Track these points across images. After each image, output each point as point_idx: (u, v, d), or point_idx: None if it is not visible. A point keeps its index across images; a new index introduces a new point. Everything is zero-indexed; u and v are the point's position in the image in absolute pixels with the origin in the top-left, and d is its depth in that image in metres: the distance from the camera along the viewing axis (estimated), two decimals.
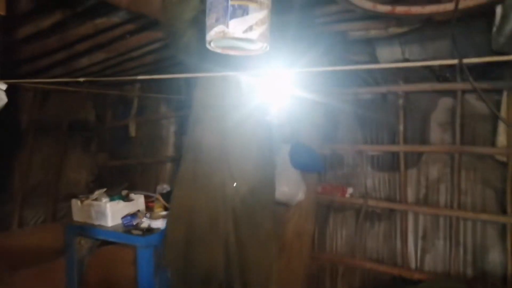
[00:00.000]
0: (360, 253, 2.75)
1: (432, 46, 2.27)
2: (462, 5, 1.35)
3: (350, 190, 2.86)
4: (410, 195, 2.61)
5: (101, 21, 1.99)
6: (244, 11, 0.98)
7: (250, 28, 0.98)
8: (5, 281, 2.33)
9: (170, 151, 3.65)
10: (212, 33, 1.00)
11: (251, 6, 0.99)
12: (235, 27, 0.98)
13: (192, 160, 2.00)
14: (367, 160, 2.80)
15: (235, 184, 1.89)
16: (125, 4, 1.59)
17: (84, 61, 2.66)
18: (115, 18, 1.97)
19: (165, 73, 3.22)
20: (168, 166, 3.63)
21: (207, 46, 1.07)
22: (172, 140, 3.64)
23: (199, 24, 1.66)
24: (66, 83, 3.06)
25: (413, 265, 2.57)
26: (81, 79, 1.22)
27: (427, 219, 2.54)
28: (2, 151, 2.90)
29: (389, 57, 2.47)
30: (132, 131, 3.79)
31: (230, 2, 0.98)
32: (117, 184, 3.51)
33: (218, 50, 1.10)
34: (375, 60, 2.55)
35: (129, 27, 2.09)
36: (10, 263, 2.62)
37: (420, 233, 2.55)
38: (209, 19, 1.02)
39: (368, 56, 2.61)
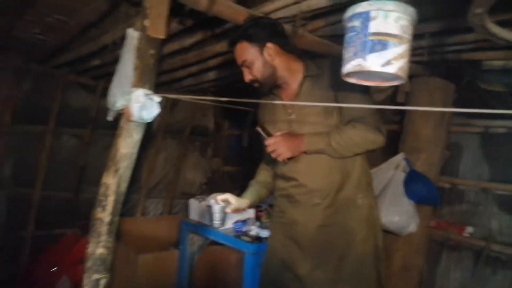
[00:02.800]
0: None
1: None
2: None
3: (469, 229, 2.61)
4: None
5: None
6: (383, 46, 1.00)
7: (388, 63, 1.00)
8: (132, 261, 2.66)
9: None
10: (349, 66, 1.04)
11: (391, 41, 1.00)
12: (373, 61, 1.00)
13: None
14: (494, 200, 2.53)
15: None
16: None
17: (212, 75, 2.93)
18: None
19: None
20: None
21: (343, 78, 1.10)
22: None
23: None
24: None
25: None
26: (223, 99, 1.36)
27: None
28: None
29: None
30: (245, 141, 4.01)
31: (369, 37, 1.00)
32: (228, 188, 3.75)
33: (353, 81, 1.13)
34: None
35: None
36: (135, 246, 2.98)
37: None
38: (347, 53, 1.06)
39: (505, 87, 2.37)
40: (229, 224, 2.51)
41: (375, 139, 1.50)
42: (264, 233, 2.31)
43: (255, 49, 1.55)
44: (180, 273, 2.81)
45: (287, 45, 1.60)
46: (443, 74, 2.39)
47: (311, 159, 1.55)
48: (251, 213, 2.66)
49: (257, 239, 2.30)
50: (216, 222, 1.78)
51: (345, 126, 1.52)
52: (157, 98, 1.44)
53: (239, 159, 4.12)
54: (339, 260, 1.55)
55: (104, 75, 3.14)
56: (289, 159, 1.55)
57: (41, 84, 3.13)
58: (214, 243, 2.81)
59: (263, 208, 2.76)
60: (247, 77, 1.61)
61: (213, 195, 1.83)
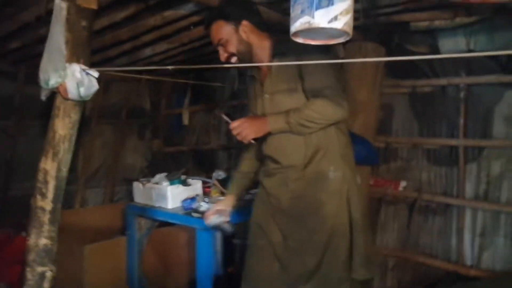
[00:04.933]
0: (412, 247, 2.72)
1: (500, 36, 2.18)
2: None
3: (403, 184, 2.83)
4: (469, 190, 2.54)
5: (170, 13, 2.09)
6: (330, 2, 1.01)
7: (335, 18, 1.01)
8: (76, 253, 2.53)
9: (222, 139, 3.75)
10: (297, 24, 1.04)
11: None
12: (321, 17, 1.01)
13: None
14: (423, 154, 2.75)
15: None
16: None
17: (147, 51, 2.79)
18: (182, 11, 2.06)
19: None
20: (220, 154, 3.74)
21: (290, 37, 1.11)
22: (225, 129, 3.74)
23: None
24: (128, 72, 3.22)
25: (469, 262, 2.51)
26: (170, 67, 1.30)
27: (486, 216, 2.46)
28: None
29: (452, 48, 2.40)
30: (186, 119, 3.93)
31: None
32: (171, 170, 3.67)
33: (300, 40, 1.14)
34: (436, 51, 2.49)
35: (194, 18, 2.17)
36: (77, 238, 2.82)
37: (478, 230, 2.48)
38: (294, 11, 1.06)
39: (428, 48, 2.55)
40: (177, 203, 2.48)
41: (334, 112, 1.51)
42: None
43: (230, 27, 1.59)
44: (130, 259, 2.73)
45: (261, 24, 1.66)
46: (375, 38, 2.50)
47: (281, 137, 1.61)
48: (198, 190, 2.64)
49: None
50: (228, 229, 1.95)
51: (306, 102, 1.54)
52: (95, 74, 1.35)
53: (181, 139, 4.03)
54: (309, 232, 1.60)
55: (26, 58, 2.86)
56: (255, 140, 1.60)
57: None
58: (162, 225, 2.76)
59: (211, 184, 2.74)
60: (223, 56, 1.65)
61: (208, 214, 1.93)
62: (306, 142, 1.59)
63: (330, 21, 1.01)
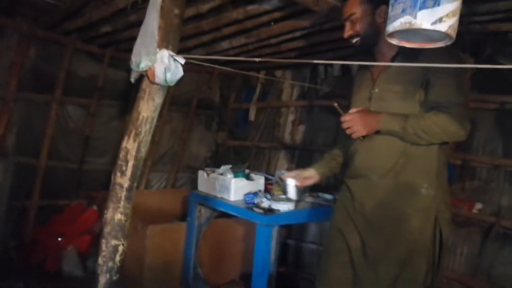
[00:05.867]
0: (483, 276, 2.51)
1: None
2: None
3: (479, 206, 2.62)
4: None
5: (253, 8, 2.10)
6: (436, 2, 0.94)
7: (440, 20, 0.94)
8: (139, 232, 2.64)
9: (285, 138, 3.73)
10: (397, 24, 0.99)
11: None
12: (424, 18, 0.94)
13: None
14: (506, 177, 2.52)
15: None
16: None
17: (225, 44, 2.84)
18: (266, 5, 2.06)
19: (293, 60, 3.29)
20: (282, 153, 3.72)
21: (386, 37, 1.05)
22: (289, 129, 3.71)
23: None
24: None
25: None
26: (257, 59, 1.30)
27: None
28: None
29: None
30: (252, 115, 3.96)
31: None
32: (233, 163, 3.72)
33: (394, 42, 1.08)
34: None
35: (277, 14, 2.17)
36: (140, 217, 2.96)
37: None
38: (394, 9, 1.00)
39: None
40: (239, 196, 2.49)
41: (456, 132, 1.42)
42: (277, 205, 2.29)
43: (368, 7, 1.53)
44: (187, 244, 2.81)
45: None
46: (464, 47, 2.33)
47: (378, 137, 1.53)
48: (261, 185, 2.64)
49: (269, 210, 2.28)
50: (292, 194, 1.98)
51: (427, 112, 1.45)
52: (181, 60, 1.39)
53: (246, 134, 4.08)
54: (388, 243, 1.52)
55: (112, 43, 3.05)
56: (364, 137, 1.53)
57: (48, 51, 3.04)
58: (221, 215, 2.80)
59: (273, 181, 2.73)
60: (348, 32, 1.58)
61: (289, 174, 1.96)
62: (404, 149, 1.50)
63: (434, 23, 0.95)
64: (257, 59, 1.33)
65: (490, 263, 2.49)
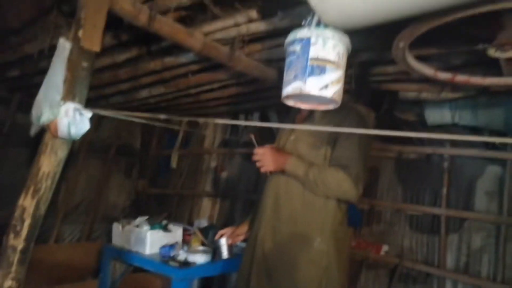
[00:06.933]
0: None
1: (484, 113, 2.28)
2: None
3: (385, 248, 2.81)
4: (450, 261, 2.53)
5: (170, 60, 2.15)
6: (322, 71, 1.06)
7: (326, 87, 1.06)
8: None
9: (208, 185, 3.73)
10: (289, 89, 1.09)
11: (329, 66, 1.07)
12: (313, 84, 1.06)
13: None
14: (406, 220, 2.76)
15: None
16: (198, 49, 1.72)
17: (144, 93, 2.84)
18: (182, 59, 2.13)
19: (214, 109, 3.38)
20: (205, 201, 3.70)
21: (282, 100, 1.15)
22: (212, 175, 3.73)
23: None
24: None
25: None
26: (162, 116, 1.33)
27: None
28: None
29: (438, 120, 2.49)
30: (174, 162, 3.91)
31: (309, 62, 1.07)
32: (154, 212, 3.60)
33: (291, 103, 1.19)
34: (423, 120, 2.58)
35: (193, 67, 2.24)
36: (47, 276, 2.70)
37: None
38: (287, 76, 1.11)
39: (416, 116, 2.64)
40: (155, 249, 2.41)
41: (349, 191, 1.55)
42: (193, 258, 2.24)
43: None
44: None
45: None
46: (366, 103, 2.59)
47: (287, 180, 1.63)
48: (178, 237, 2.58)
49: (185, 264, 2.22)
50: (225, 254, 2.02)
51: (329, 167, 1.57)
52: (88, 114, 1.36)
53: (167, 181, 4.00)
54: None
55: (22, 87, 2.89)
56: (271, 173, 1.63)
57: None
58: (137, 270, 2.67)
59: (192, 232, 2.69)
60: None
61: (222, 232, 2.05)
62: (304, 198, 1.60)
63: (321, 89, 1.06)
64: (162, 116, 1.35)
65: None
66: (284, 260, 1.59)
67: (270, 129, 3.39)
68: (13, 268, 1.27)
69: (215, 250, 2.13)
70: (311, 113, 1.68)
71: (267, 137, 2.14)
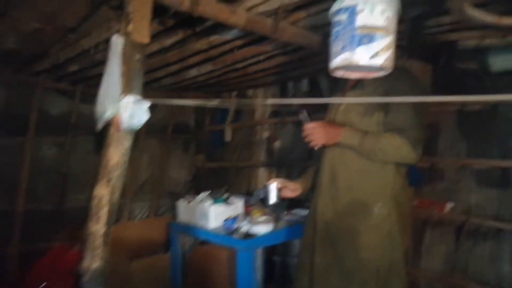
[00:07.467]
0: (461, 273, 2.60)
1: None
2: None
3: (450, 205, 2.72)
4: None
5: (215, 38, 2.17)
6: (371, 39, 1.03)
7: (376, 54, 1.03)
8: (124, 269, 2.64)
9: (262, 156, 3.79)
10: (338, 60, 1.07)
11: (378, 33, 1.03)
12: (362, 54, 1.03)
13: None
14: (472, 175, 2.64)
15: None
16: (242, 25, 1.72)
17: (193, 72, 2.91)
18: (227, 36, 2.14)
19: (262, 80, 3.38)
20: (261, 170, 3.78)
21: (330, 71, 1.13)
22: (265, 146, 3.78)
23: None
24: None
25: None
26: (213, 103, 1.36)
27: None
28: None
29: (504, 66, 2.30)
30: (228, 136, 4.02)
31: (357, 31, 1.03)
32: (213, 185, 3.75)
33: (339, 74, 1.16)
34: (487, 69, 2.40)
35: (238, 42, 2.24)
36: (125, 252, 2.95)
37: None
38: (335, 47, 1.09)
39: (478, 64, 2.46)
40: (219, 222, 2.53)
41: (407, 155, 1.52)
42: (255, 229, 2.33)
43: None
44: (173, 275, 2.82)
45: None
46: (421, 56, 2.45)
47: (342, 150, 1.61)
48: (240, 209, 2.68)
49: (249, 235, 2.32)
50: (273, 199, 1.94)
51: (384, 133, 1.54)
52: (146, 104, 1.43)
53: (223, 155, 4.12)
54: (338, 257, 1.60)
55: (82, 79, 3.07)
56: (323, 147, 1.62)
57: (18, 94, 3.04)
58: (205, 242, 2.82)
59: (253, 203, 2.78)
60: None
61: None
62: (361, 166, 1.59)
63: (371, 58, 1.03)
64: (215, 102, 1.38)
65: (466, 260, 2.59)
66: (346, 228, 1.60)
67: (320, 94, 3.34)
68: (98, 250, 1.41)
69: (265, 195, 2.07)
70: (359, 79, 1.61)
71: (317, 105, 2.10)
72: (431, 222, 2.79)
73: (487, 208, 2.57)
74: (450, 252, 2.69)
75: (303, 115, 1.67)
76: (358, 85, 1.63)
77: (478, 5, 1.38)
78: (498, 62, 2.33)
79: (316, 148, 1.63)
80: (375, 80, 1.51)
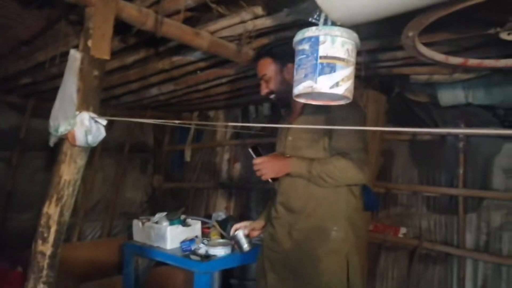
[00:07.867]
0: None
1: (498, 91, 2.24)
2: None
3: (403, 230, 2.82)
4: (469, 240, 2.53)
5: (178, 59, 2.16)
6: (332, 69, 1.06)
7: (337, 84, 1.06)
8: None
9: (222, 177, 3.76)
10: (300, 87, 1.09)
11: (338, 64, 1.07)
12: (323, 83, 1.06)
13: None
14: (423, 201, 2.76)
15: None
16: (205, 47, 1.73)
17: (154, 91, 2.87)
18: (190, 57, 2.14)
19: (224, 102, 3.39)
20: (220, 193, 3.74)
21: (294, 98, 1.15)
22: (226, 167, 3.76)
23: None
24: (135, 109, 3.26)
25: None
26: (177, 122, 1.34)
27: (488, 267, 2.44)
28: None
29: (451, 100, 2.46)
30: (187, 156, 3.96)
31: (319, 61, 1.06)
32: (170, 206, 3.66)
33: (302, 101, 1.19)
34: (436, 102, 2.55)
35: (201, 64, 2.25)
36: (74, 274, 2.78)
37: (480, 282, 2.45)
38: (298, 74, 1.11)
39: (428, 97, 2.61)
40: (176, 244, 2.46)
41: (355, 176, 1.56)
42: (213, 251, 2.29)
43: (276, 66, 1.70)
44: None
45: None
46: (376, 87, 2.57)
47: (293, 180, 1.64)
48: (197, 230, 2.62)
49: (206, 257, 2.27)
50: (245, 246, 1.90)
51: (331, 157, 1.58)
52: (103, 121, 1.39)
53: (181, 176, 4.05)
54: (303, 282, 1.60)
55: (35, 93, 2.93)
56: (274, 180, 1.65)
57: None
58: (159, 263, 2.73)
59: (210, 225, 2.74)
60: (264, 90, 1.75)
61: (237, 226, 1.97)
62: (312, 193, 1.61)
63: (331, 87, 1.06)
64: (177, 122, 1.36)
65: (417, 283, 2.68)
66: (305, 255, 1.61)
67: (279, 115, 3.40)
68: (44, 272, 1.32)
69: (234, 245, 2.12)
70: (301, 110, 1.69)
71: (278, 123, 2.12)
72: (385, 246, 2.87)
73: (436, 233, 2.69)
74: (403, 276, 2.76)
75: (251, 151, 1.72)
76: (304, 112, 1.69)
77: (428, 44, 1.48)
78: (446, 96, 2.49)
79: (266, 181, 1.66)
80: (318, 107, 1.56)
